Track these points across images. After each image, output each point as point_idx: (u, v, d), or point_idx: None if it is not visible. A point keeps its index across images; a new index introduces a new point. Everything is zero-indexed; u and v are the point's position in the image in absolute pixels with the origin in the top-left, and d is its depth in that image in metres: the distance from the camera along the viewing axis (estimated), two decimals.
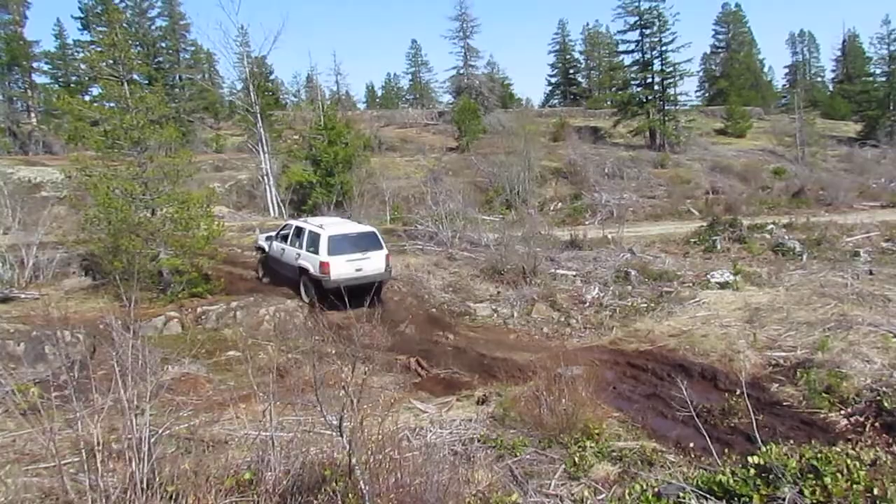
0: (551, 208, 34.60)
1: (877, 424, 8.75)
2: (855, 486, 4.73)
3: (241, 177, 35.52)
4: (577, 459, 7.49)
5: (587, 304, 15.55)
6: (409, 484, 5.80)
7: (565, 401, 8.61)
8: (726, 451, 6.68)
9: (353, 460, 5.68)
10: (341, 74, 62.97)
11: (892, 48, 59.43)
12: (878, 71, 62.16)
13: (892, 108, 56.75)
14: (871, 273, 17.26)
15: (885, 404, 8.86)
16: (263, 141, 31.93)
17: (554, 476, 7.31)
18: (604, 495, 6.75)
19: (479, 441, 8.28)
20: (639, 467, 7.41)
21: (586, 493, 6.90)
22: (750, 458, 5.13)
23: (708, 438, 6.97)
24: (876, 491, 4.77)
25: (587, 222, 30.31)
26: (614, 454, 7.80)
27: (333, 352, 11.43)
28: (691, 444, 7.60)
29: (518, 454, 7.82)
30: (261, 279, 17.82)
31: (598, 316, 14.93)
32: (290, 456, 6.33)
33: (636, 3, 49.82)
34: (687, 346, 12.43)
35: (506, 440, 8.19)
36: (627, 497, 5.68)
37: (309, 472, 6.12)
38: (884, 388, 9.49)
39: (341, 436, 5.82)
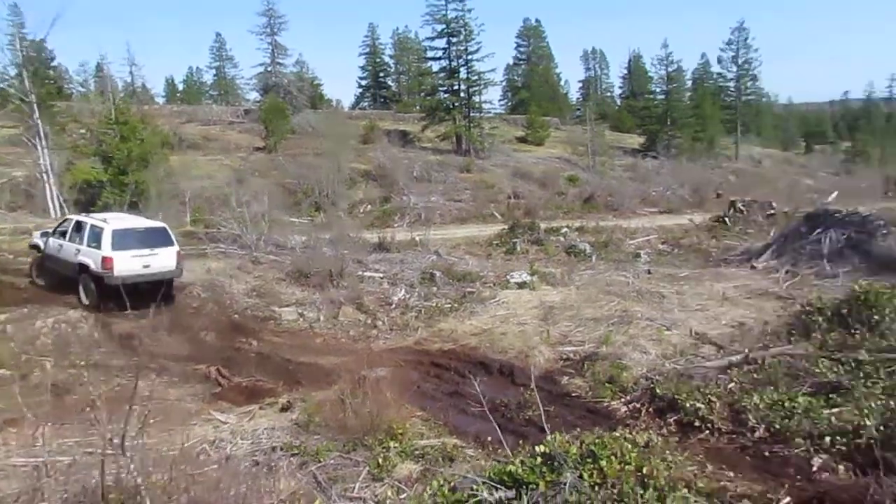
0: (360, 210, 34.67)
1: (650, 409, 9.63)
2: (627, 466, 5.18)
3: (15, 174, 31.96)
4: (380, 460, 7.55)
5: (394, 305, 15.73)
6: (205, 500, 5.53)
7: (370, 403, 8.64)
8: (521, 442, 7.03)
9: (140, 480, 5.30)
10: (136, 65, 58.42)
11: (669, 69, 66.27)
12: (658, 90, 68.96)
13: (669, 123, 63.16)
14: (649, 272, 19.01)
15: (658, 391, 9.78)
16: (42, 134, 28.95)
17: (358, 479, 7.32)
18: (406, 494, 6.84)
19: (282, 449, 8.09)
20: (440, 464, 7.60)
21: (389, 493, 6.97)
22: (537, 448, 5.44)
23: (500, 432, 7.30)
24: (645, 470, 5.25)
25: (396, 225, 30.70)
26: (417, 453, 7.94)
27: (122, 364, 10.62)
28: (489, 438, 7.90)
29: (322, 460, 7.73)
30: (35, 281, 16.21)
31: (405, 317, 15.16)
32: (68, 482, 5.80)
33: (443, 12, 51.32)
34: (487, 344, 12.97)
35: (310, 446, 8.07)
36: (426, 494, 5.80)
37: (91, 497, 5.64)
38: (657, 377, 10.47)
39: (124, 455, 5.40)
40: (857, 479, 6.94)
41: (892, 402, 8.38)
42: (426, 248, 21.97)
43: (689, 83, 75.54)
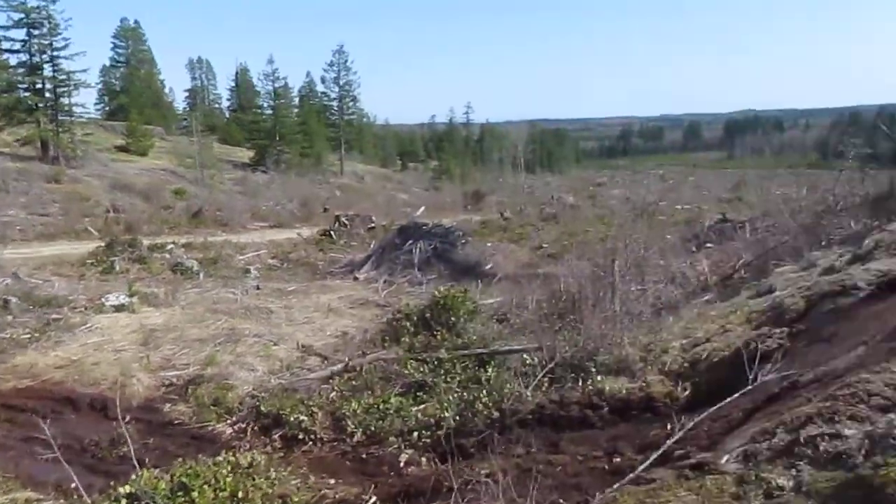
0: None
1: (256, 428, 9.57)
2: (221, 493, 5.04)
3: None
4: None
5: None
6: None
7: None
8: (112, 484, 6.39)
9: None
10: None
11: (276, 85, 67.54)
12: (265, 104, 69.81)
13: (277, 138, 64.31)
14: (258, 288, 18.96)
15: (263, 408, 9.76)
16: None
17: None
18: None
19: None
20: None
21: None
22: (120, 489, 5.00)
23: (91, 474, 6.59)
24: (240, 494, 5.16)
25: None
26: None
27: None
28: (73, 485, 7.04)
29: None
30: None
31: None
32: None
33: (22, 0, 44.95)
34: (76, 377, 11.54)
35: None
36: None
37: None
38: (262, 394, 10.44)
39: None
40: (437, 467, 7.79)
41: (465, 394, 9.61)
42: (1, 270, 18.88)
43: (297, 100, 78.12)
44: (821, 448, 3.56)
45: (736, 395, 5.07)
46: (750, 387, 4.88)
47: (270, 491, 6.93)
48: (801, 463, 3.55)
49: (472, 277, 19.02)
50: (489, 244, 24.90)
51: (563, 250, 22.67)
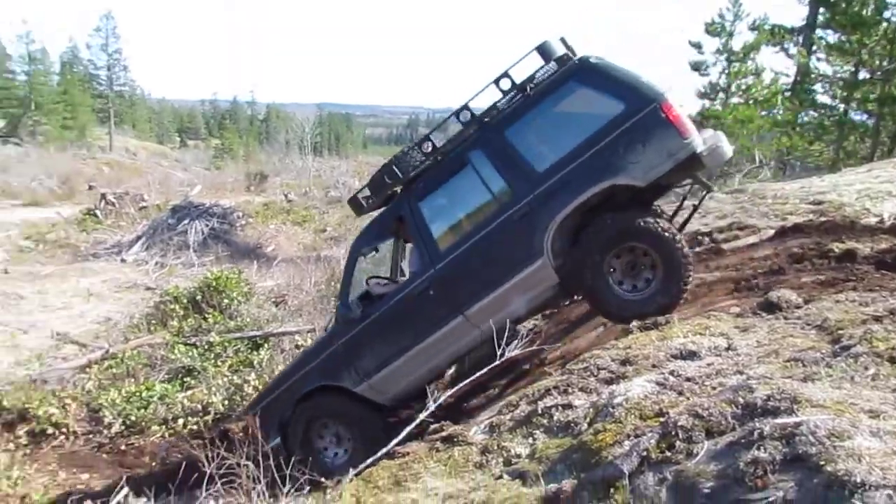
0: None
1: None
2: None
3: None
4: None
5: None
6: None
7: None
8: None
9: None
10: None
11: (31, 48, 60.02)
12: (18, 70, 61.57)
13: (33, 108, 57.38)
14: (7, 272, 17.08)
15: (5, 403, 8.76)
16: None
17: None
18: None
19: None
20: None
21: None
22: None
23: None
24: None
25: None
26: None
27: None
28: None
29: None
30: None
31: None
32: None
33: None
34: None
35: None
36: None
37: None
38: (6, 387, 9.38)
39: None
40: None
41: (235, 378, 9.34)
42: None
43: (57, 66, 70.01)
44: (554, 417, 3.89)
45: (484, 370, 5.39)
46: (497, 362, 5.20)
47: (12, 491, 6.29)
48: (537, 431, 3.88)
49: (251, 259, 18.46)
50: (271, 226, 24.23)
51: (346, 233, 22.61)
